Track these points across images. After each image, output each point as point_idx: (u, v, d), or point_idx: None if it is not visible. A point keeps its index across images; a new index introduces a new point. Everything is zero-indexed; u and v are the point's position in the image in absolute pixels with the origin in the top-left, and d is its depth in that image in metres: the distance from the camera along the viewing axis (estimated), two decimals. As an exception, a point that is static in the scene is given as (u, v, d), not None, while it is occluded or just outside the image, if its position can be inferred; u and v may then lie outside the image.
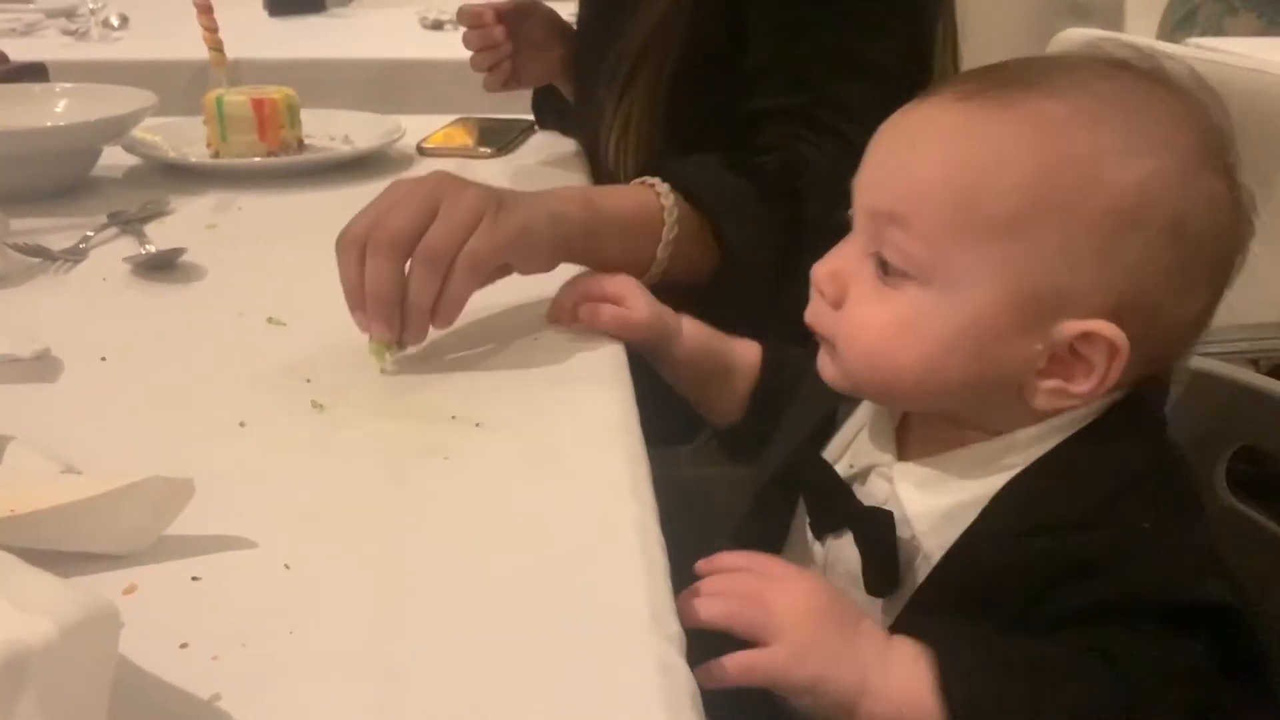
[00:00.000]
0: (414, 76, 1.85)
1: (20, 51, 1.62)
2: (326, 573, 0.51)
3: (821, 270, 0.62)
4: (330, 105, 1.34)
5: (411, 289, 0.70)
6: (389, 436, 0.63)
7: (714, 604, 0.54)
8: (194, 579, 0.50)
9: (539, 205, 0.77)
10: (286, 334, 0.77)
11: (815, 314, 0.63)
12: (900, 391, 0.61)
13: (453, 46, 1.85)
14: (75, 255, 0.90)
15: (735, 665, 0.53)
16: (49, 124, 1.09)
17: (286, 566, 0.51)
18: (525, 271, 0.77)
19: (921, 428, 0.64)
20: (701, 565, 0.58)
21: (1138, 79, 0.58)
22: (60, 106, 1.14)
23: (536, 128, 1.37)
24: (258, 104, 1.17)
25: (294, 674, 0.44)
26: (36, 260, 0.88)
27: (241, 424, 0.64)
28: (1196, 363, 0.81)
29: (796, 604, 0.55)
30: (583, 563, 0.52)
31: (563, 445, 0.63)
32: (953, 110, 0.58)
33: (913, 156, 0.59)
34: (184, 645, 0.45)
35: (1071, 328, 0.55)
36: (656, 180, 0.87)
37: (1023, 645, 0.54)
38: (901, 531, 0.60)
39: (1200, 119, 0.57)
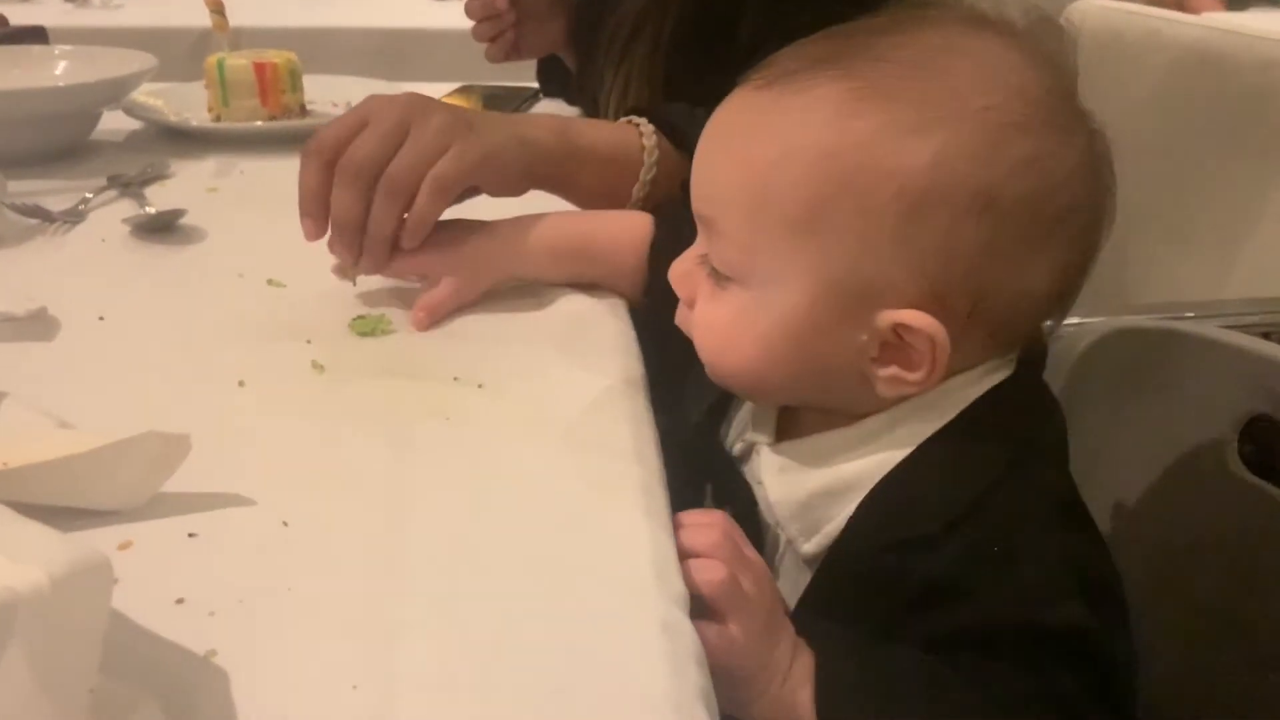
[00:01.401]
0: (417, 45, 1.84)
1: (21, 18, 1.60)
2: (325, 531, 0.50)
3: (673, 272, 0.62)
4: (334, 74, 1.33)
5: (372, 219, 0.71)
6: (390, 397, 0.62)
7: (715, 570, 0.52)
8: (191, 535, 0.49)
9: (510, 129, 0.77)
10: (286, 295, 0.76)
11: (680, 314, 0.63)
12: (744, 387, 0.62)
13: (455, 16, 1.84)
14: (74, 217, 0.89)
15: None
16: (48, 85, 1.08)
17: (285, 524, 0.50)
18: (494, 194, 0.77)
19: (796, 411, 0.63)
20: (681, 517, 0.55)
21: (967, 35, 0.56)
22: (59, 69, 1.13)
23: (540, 96, 1.36)
24: (259, 68, 1.16)
25: (291, 631, 0.44)
26: (35, 221, 0.87)
27: (241, 383, 0.63)
28: (1209, 333, 0.80)
29: (760, 593, 0.53)
30: (586, 524, 0.51)
31: (567, 407, 0.62)
32: (750, 103, 0.57)
33: (713, 158, 0.58)
34: (180, 601, 0.45)
35: (886, 317, 0.54)
36: (641, 120, 0.86)
37: (906, 669, 0.53)
38: (766, 516, 0.61)
39: (1027, 71, 0.54)
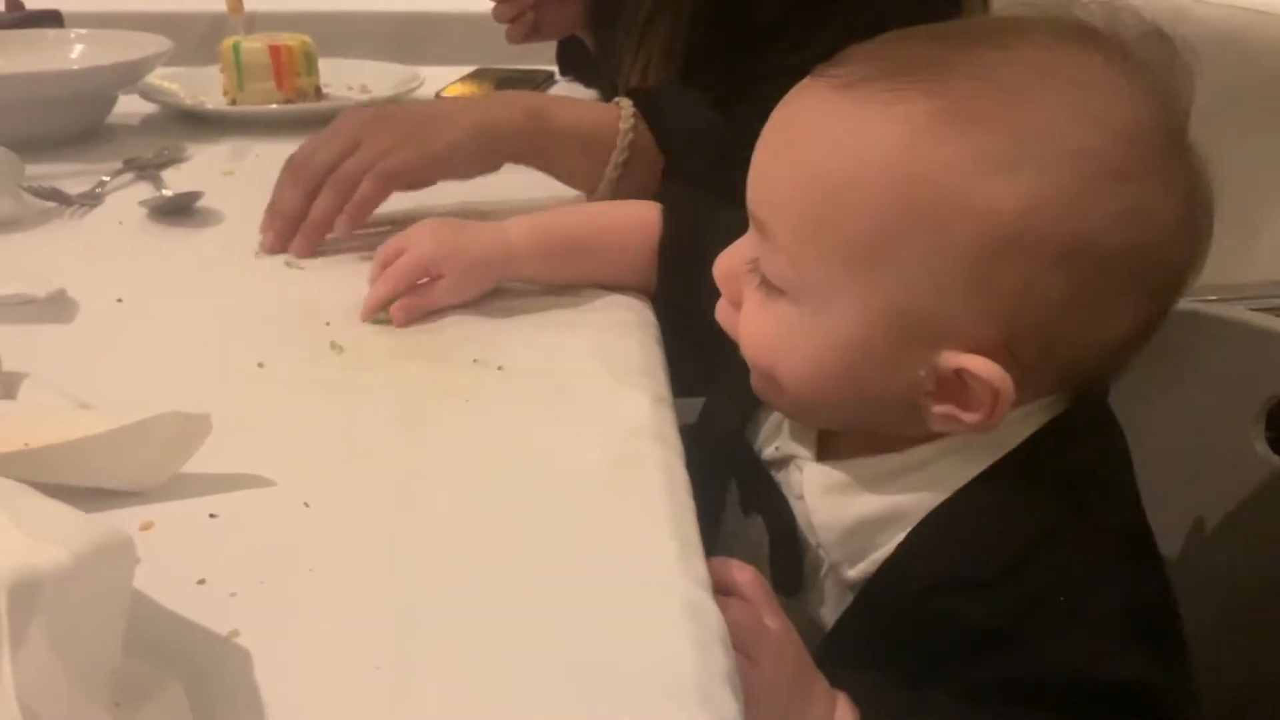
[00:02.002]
0: (432, 29, 1.83)
1: (36, 1, 1.60)
2: (346, 512, 0.50)
3: (718, 269, 0.57)
4: (348, 57, 1.32)
5: (315, 206, 0.78)
6: (409, 379, 0.62)
7: (736, 610, 0.50)
8: (211, 516, 0.49)
9: (474, 117, 0.80)
10: (304, 278, 0.76)
11: (722, 311, 0.58)
12: (784, 404, 0.58)
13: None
14: (91, 200, 0.88)
15: None
16: (64, 68, 1.08)
17: (306, 505, 0.50)
18: (462, 179, 0.82)
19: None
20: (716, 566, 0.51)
21: (1078, 58, 0.50)
22: (75, 52, 1.13)
23: (556, 78, 1.35)
24: (274, 51, 1.15)
25: (313, 612, 0.43)
26: (52, 204, 0.86)
27: (260, 365, 0.63)
28: (1232, 315, 0.79)
29: (785, 647, 0.51)
30: (607, 505, 0.51)
31: (586, 389, 0.61)
32: (824, 103, 0.51)
33: (776, 159, 0.53)
34: (201, 581, 0.45)
35: (949, 359, 0.49)
36: (625, 100, 0.85)
37: (948, 713, 0.50)
38: (808, 537, 0.57)
39: (1134, 107, 0.49)
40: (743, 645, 0.48)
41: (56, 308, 0.69)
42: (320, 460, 0.54)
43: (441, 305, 0.70)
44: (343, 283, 0.74)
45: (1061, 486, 0.52)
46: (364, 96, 1.21)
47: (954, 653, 0.51)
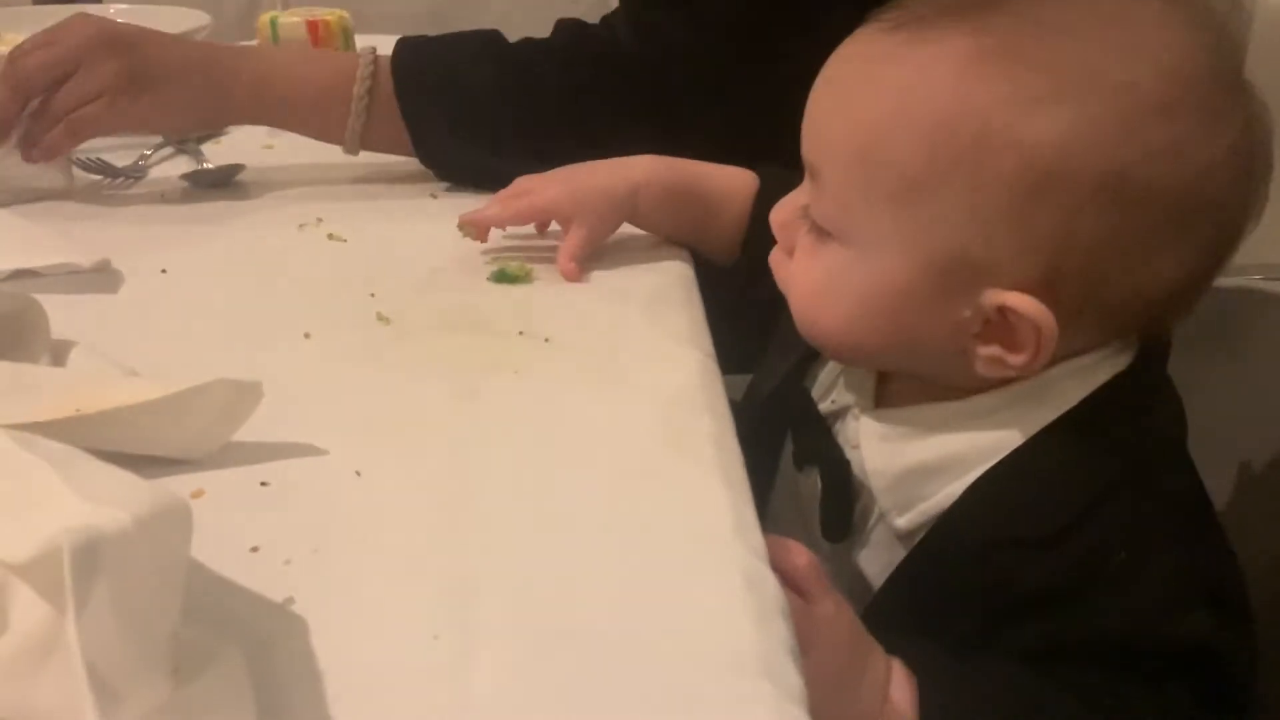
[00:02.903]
0: (465, 5, 1.82)
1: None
2: (398, 481, 0.49)
3: (774, 217, 0.59)
4: (382, 34, 1.31)
5: (24, 130, 0.79)
6: (457, 350, 0.61)
7: (800, 554, 0.50)
8: (263, 484, 0.49)
9: (184, 83, 0.80)
10: (348, 250, 0.75)
11: (775, 259, 0.59)
12: (834, 348, 0.58)
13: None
14: (136, 173, 0.89)
15: None
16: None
17: (357, 474, 0.49)
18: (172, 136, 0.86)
19: (893, 377, 0.60)
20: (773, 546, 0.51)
21: None
22: (115, 26, 1.13)
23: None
24: (312, 25, 1.15)
25: (368, 580, 0.43)
26: (99, 177, 0.86)
27: (307, 335, 0.62)
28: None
29: (838, 632, 0.50)
30: (660, 476, 0.50)
31: (634, 361, 0.61)
32: (872, 46, 0.52)
33: (826, 103, 0.54)
34: (255, 549, 0.44)
35: (992, 298, 0.50)
36: (369, 51, 0.86)
37: (1005, 680, 0.50)
38: (860, 485, 0.58)
39: (1184, 47, 0.48)
40: (807, 585, 0.49)
41: (102, 278, 0.69)
42: (371, 430, 0.53)
43: (581, 249, 0.71)
44: (387, 254, 0.74)
45: (1122, 446, 0.52)
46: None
47: (1011, 612, 0.50)
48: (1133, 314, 0.52)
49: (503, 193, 0.73)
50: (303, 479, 0.49)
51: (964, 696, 0.50)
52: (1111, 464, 0.52)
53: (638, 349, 0.62)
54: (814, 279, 0.55)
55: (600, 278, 0.71)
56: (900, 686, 0.50)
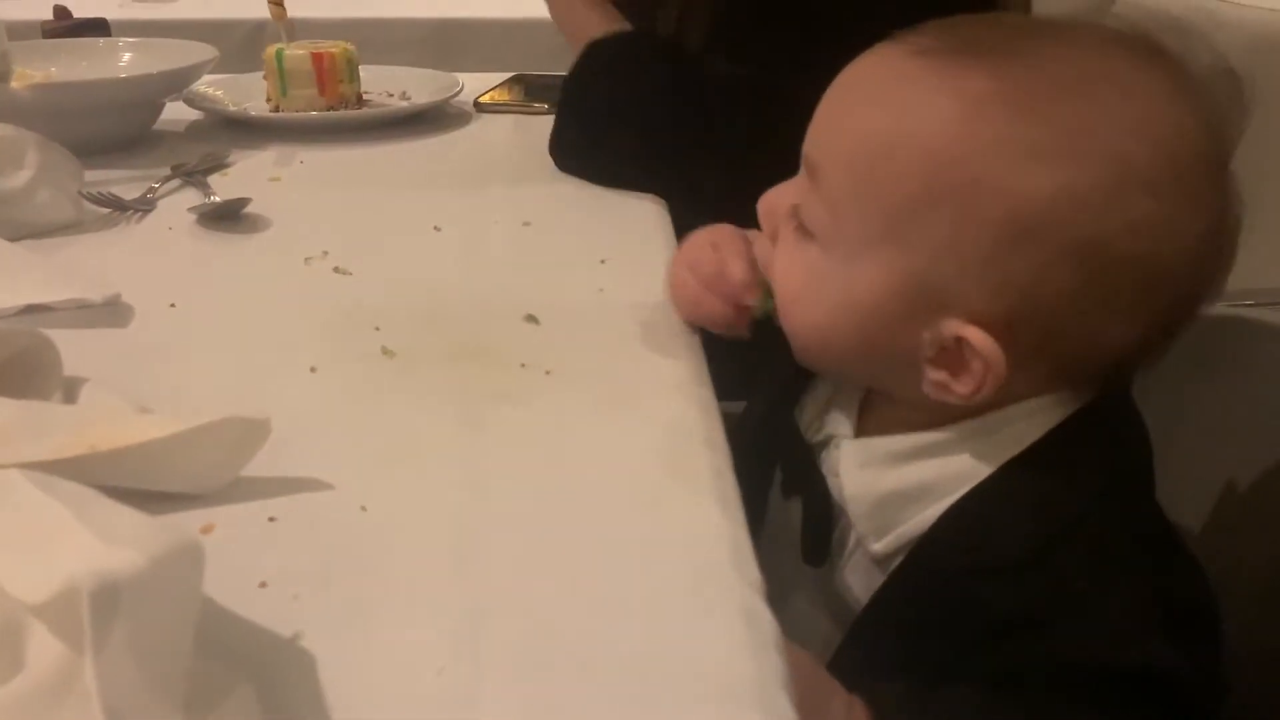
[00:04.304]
0: (469, 35, 1.85)
1: (82, 11, 1.63)
2: (404, 515, 0.50)
3: (761, 205, 0.60)
4: (387, 63, 1.33)
5: None
6: (460, 383, 0.62)
7: None
8: (271, 519, 0.50)
9: None
10: (353, 283, 0.77)
11: (760, 245, 0.61)
12: (806, 347, 0.60)
13: (507, 5, 1.84)
14: (145, 205, 0.90)
15: None
16: (114, 76, 1.10)
17: (363, 508, 0.50)
18: None
19: (876, 403, 0.62)
20: None
21: (1137, 68, 0.51)
22: (124, 60, 1.15)
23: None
24: (317, 58, 1.17)
25: (375, 614, 0.44)
26: (108, 210, 0.88)
27: (313, 369, 0.63)
28: (1272, 319, 0.78)
29: (797, 667, 0.50)
30: (660, 508, 0.51)
31: (634, 393, 0.62)
32: (895, 67, 0.54)
33: (837, 109, 0.56)
34: (263, 584, 0.45)
35: (952, 328, 0.52)
36: None
37: (962, 709, 0.51)
38: (840, 511, 0.60)
39: (1182, 130, 0.50)
40: None
41: (112, 313, 0.70)
42: (376, 463, 0.54)
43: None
44: (391, 287, 0.75)
45: (1085, 477, 0.54)
46: (405, 103, 1.22)
47: (982, 639, 0.52)
48: (1083, 367, 0.55)
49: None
50: (310, 513, 0.50)
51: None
52: (1074, 496, 0.53)
53: (637, 381, 0.63)
54: (794, 276, 0.58)
55: (598, 312, 0.73)
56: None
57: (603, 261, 0.80)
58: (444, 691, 0.40)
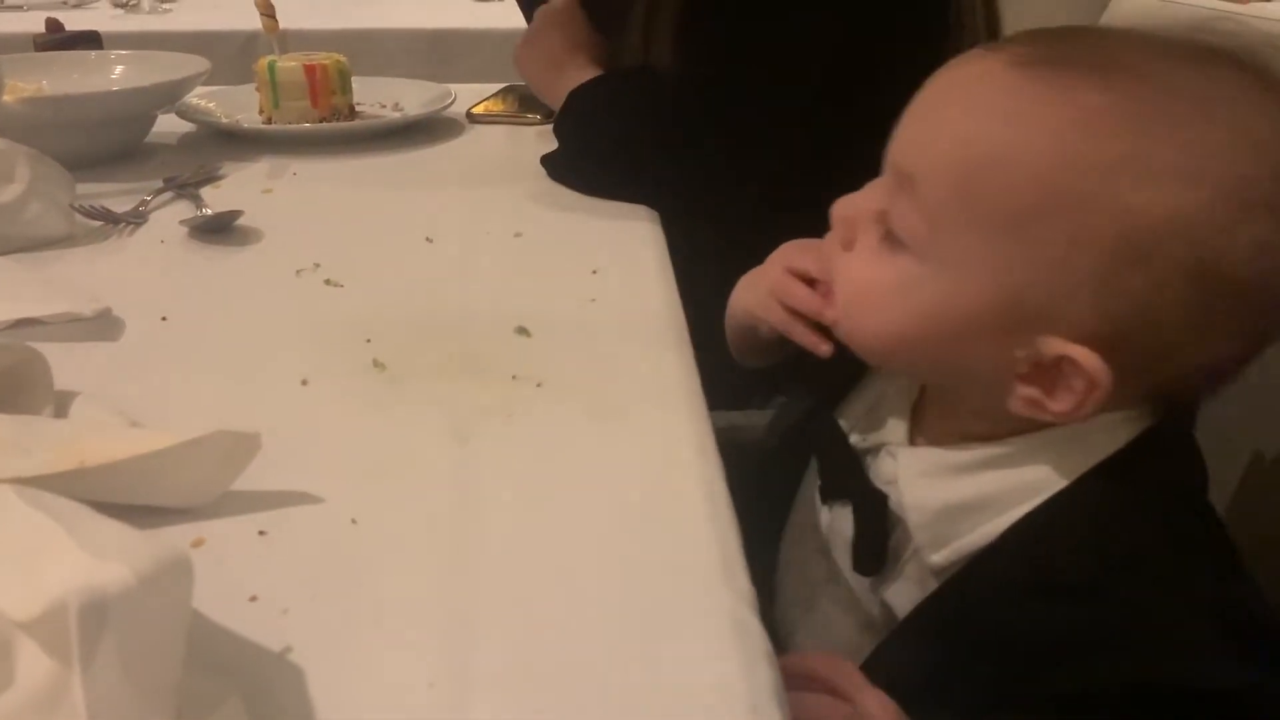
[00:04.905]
0: (462, 46, 1.85)
1: (74, 24, 1.63)
2: (394, 528, 0.50)
3: (839, 210, 0.59)
4: (380, 75, 1.34)
5: None
6: (451, 395, 0.63)
7: (826, 709, 0.52)
8: (261, 533, 0.50)
9: None
10: (344, 295, 0.77)
11: (826, 250, 0.60)
12: (867, 350, 0.59)
13: (499, 16, 1.85)
14: (137, 218, 0.90)
15: None
16: (107, 89, 1.10)
17: (353, 521, 0.50)
18: None
19: (934, 410, 0.61)
20: (791, 663, 0.52)
21: (1240, 84, 0.50)
22: (116, 72, 1.15)
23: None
24: (310, 70, 1.17)
25: (365, 629, 0.44)
26: (98, 224, 0.88)
27: (304, 382, 0.63)
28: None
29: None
30: (650, 519, 0.51)
31: (625, 404, 0.62)
32: (997, 77, 0.52)
33: (938, 119, 0.54)
34: (253, 598, 0.45)
35: (1053, 346, 0.51)
36: None
37: None
38: (896, 520, 0.59)
39: None
40: None
41: (104, 326, 0.70)
42: (367, 476, 0.54)
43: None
44: (383, 299, 0.75)
45: (1155, 498, 0.53)
46: (397, 114, 1.22)
47: (1045, 657, 0.51)
48: (1174, 384, 0.54)
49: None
50: (300, 527, 0.50)
51: None
52: (1148, 514, 0.52)
53: (629, 392, 0.63)
54: (874, 282, 0.56)
55: (590, 323, 0.73)
56: None
57: (594, 272, 0.80)
58: (435, 705, 0.40)
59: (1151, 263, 0.49)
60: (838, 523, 0.63)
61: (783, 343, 0.68)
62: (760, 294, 0.68)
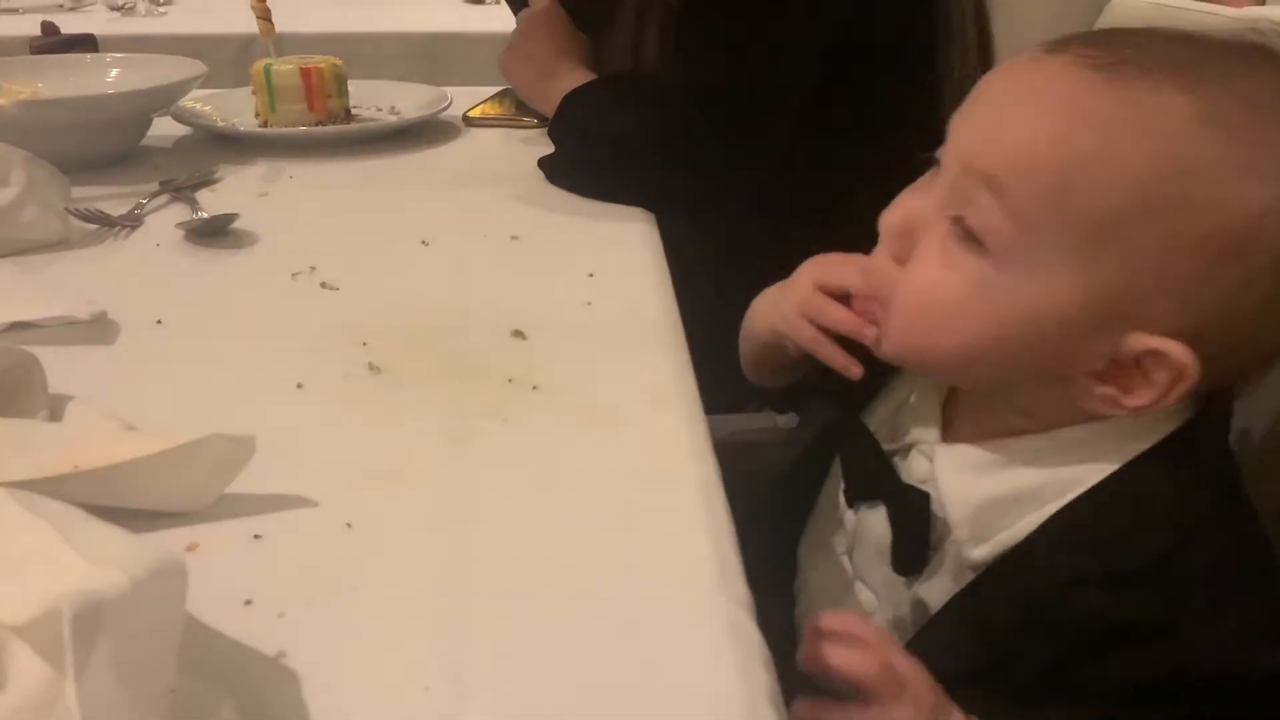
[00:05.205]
0: (456, 49, 1.85)
1: (69, 27, 1.63)
2: (389, 532, 0.50)
3: (893, 219, 0.57)
4: (376, 78, 1.34)
5: None
6: (447, 399, 0.62)
7: (857, 657, 0.52)
8: (256, 537, 0.49)
9: None
10: (340, 298, 0.77)
11: (876, 267, 0.58)
12: (940, 364, 0.58)
13: (494, 20, 1.85)
14: (132, 221, 0.90)
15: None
16: (103, 92, 1.10)
17: (348, 525, 0.50)
18: None
19: (968, 409, 0.61)
20: (827, 621, 0.53)
21: None
22: (112, 75, 1.15)
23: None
24: (306, 73, 1.17)
25: (360, 633, 0.44)
26: (94, 227, 0.88)
27: (299, 386, 0.63)
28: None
29: (921, 689, 0.52)
30: (646, 523, 0.51)
31: (621, 407, 0.62)
32: (1076, 78, 0.52)
33: (1022, 120, 0.53)
34: (248, 602, 0.45)
35: (1141, 341, 0.51)
36: None
37: None
38: (935, 514, 0.59)
39: None
40: (877, 688, 0.50)
41: (99, 329, 0.70)
42: (362, 480, 0.54)
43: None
44: (378, 302, 0.75)
45: (1202, 485, 0.54)
46: (393, 118, 1.22)
47: (1093, 645, 0.51)
48: (1234, 373, 0.55)
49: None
50: (295, 531, 0.50)
51: None
52: (1195, 502, 0.53)
53: (624, 396, 0.63)
54: (947, 291, 0.54)
55: (586, 326, 0.73)
56: None
57: (591, 275, 0.80)
58: (430, 709, 0.40)
59: (1242, 258, 0.50)
60: (864, 526, 0.62)
61: (804, 363, 0.68)
62: (787, 312, 0.67)
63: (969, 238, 0.54)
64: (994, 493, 0.56)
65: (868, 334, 0.60)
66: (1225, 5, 1.83)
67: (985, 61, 1.02)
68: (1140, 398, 0.52)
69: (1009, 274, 0.53)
